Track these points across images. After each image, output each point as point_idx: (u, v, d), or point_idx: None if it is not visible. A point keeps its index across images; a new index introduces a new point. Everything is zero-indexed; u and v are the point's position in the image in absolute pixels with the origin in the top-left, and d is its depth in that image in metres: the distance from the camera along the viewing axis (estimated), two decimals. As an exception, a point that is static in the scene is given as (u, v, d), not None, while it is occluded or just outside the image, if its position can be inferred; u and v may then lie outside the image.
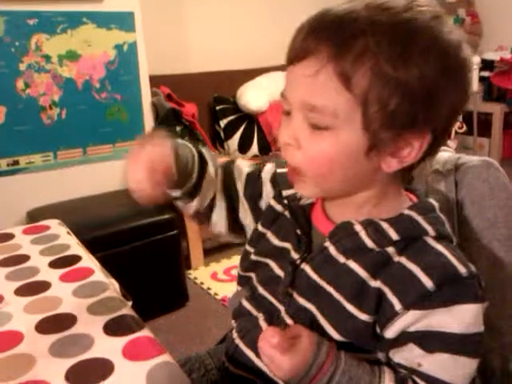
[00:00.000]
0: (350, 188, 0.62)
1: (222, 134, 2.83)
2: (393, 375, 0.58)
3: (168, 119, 2.34)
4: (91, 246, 1.03)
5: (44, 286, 0.83)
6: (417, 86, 0.54)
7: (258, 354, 0.65)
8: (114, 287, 0.84)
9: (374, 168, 0.59)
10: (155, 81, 2.51)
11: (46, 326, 0.72)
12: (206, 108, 2.82)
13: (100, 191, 2.30)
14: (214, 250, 2.61)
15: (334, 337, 0.60)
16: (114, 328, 0.70)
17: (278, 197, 0.73)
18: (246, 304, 0.71)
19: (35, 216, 1.99)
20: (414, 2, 0.57)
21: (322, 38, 0.55)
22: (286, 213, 0.71)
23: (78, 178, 2.27)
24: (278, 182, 0.76)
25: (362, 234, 0.60)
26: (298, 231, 0.67)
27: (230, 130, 2.81)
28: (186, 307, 2.14)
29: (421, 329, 0.56)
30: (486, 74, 3.42)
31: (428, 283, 0.55)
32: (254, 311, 0.70)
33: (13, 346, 0.68)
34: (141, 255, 2.01)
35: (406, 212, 0.61)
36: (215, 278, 2.36)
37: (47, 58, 2.14)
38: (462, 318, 0.56)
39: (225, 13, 3.13)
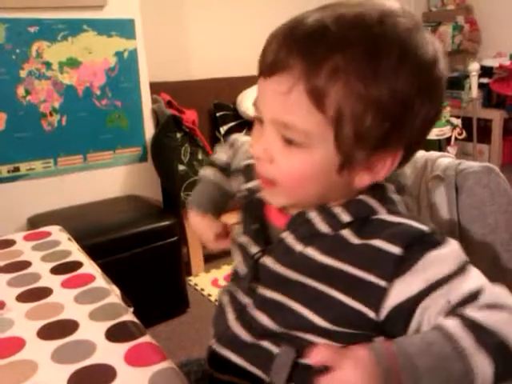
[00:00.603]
0: (320, 200, 0.62)
1: (222, 141, 2.83)
2: (452, 321, 0.52)
3: (168, 126, 2.35)
4: (91, 252, 1.03)
5: (45, 292, 0.83)
6: (389, 105, 0.54)
7: (235, 353, 0.67)
8: (115, 293, 0.84)
9: (346, 183, 0.60)
10: (155, 88, 2.52)
11: (48, 332, 0.72)
12: (206, 114, 2.83)
13: (100, 198, 2.31)
14: (215, 256, 2.61)
15: (322, 325, 0.59)
16: (116, 334, 0.70)
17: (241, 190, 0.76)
18: (225, 299, 0.73)
19: (36, 222, 1.99)
20: (387, 16, 0.55)
21: (294, 53, 0.54)
22: (245, 213, 0.73)
23: (79, 184, 2.28)
24: (248, 173, 0.76)
25: (317, 221, 0.61)
26: (253, 226, 0.68)
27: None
28: (186, 314, 2.14)
29: (421, 287, 0.55)
30: (485, 80, 3.43)
31: (396, 250, 0.56)
32: (228, 307, 0.71)
33: (15, 352, 0.68)
34: (141, 262, 2.01)
35: (358, 197, 0.62)
36: (216, 285, 2.36)
37: (48, 65, 2.15)
38: (446, 258, 0.56)
39: (225, 20, 3.14)
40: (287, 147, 0.58)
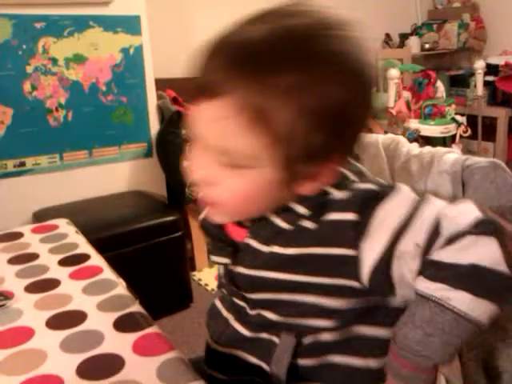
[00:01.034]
0: (265, 210, 0.62)
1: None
2: (422, 279, 0.56)
3: (173, 122, 2.35)
4: (97, 246, 1.04)
5: (54, 283, 0.84)
6: (331, 118, 0.54)
7: (236, 348, 0.68)
8: (122, 285, 0.84)
9: (289, 194, 0.60)
10: (161, 84, 2.53)
11: (57, 323, 0.73)
12: (211, 111, 2.83)
13: (105, 193, 2.32)
14: (219, 252, 2.61)
15: (324, 303, 0.61)
16: (124, 324, 0.71)
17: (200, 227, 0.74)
18: (218, 303, 0.73)
19: (41, 217, 1.99)
20: (321, 29, 0.54)
21: (228, 76, 0.52)
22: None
23: (84, 179, 2.29)
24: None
25: (276, 220, 0.61)
26: (219, 244, 0.68)
27: (235, 133, 2.82)
28: (190, 308, 2.15)
29: (387, 238, 0.56)
30: (490, 78, 3.43)
31: (350, 216, 0.57)
32: (224, 312, 0.71)
33: (24, 341, 0.69)
34: (145, 256, 2.02)
35: None
36: (219, 280, 2.36)
37: (54, 60, 2.16)
38: (399, 205, 0.57)
39: (231, 16, 3.13)
40: (228, 170, 0.56)
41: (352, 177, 0.62)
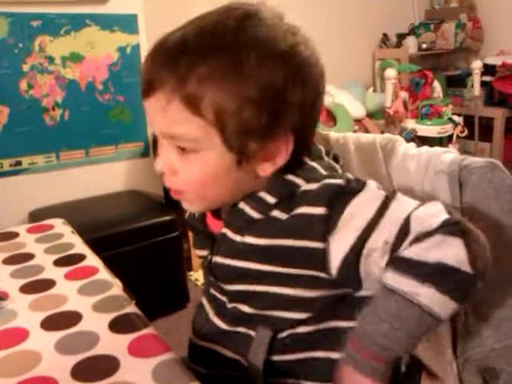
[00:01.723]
0: (233, 195, 0.65)
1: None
2: (390, 272, 0.58)
3: (170, 121, 2.35)
4: (92, 246, 1.03)
5: (49, 283, 0.83)
6: (262, 98, 0.57)
7: (214, 343, 0.71)
8: (118, 286, 0.84)
9: (250, 175, 0.63)
10: (158, 83, 2.52)
11: (52, 324, 0.72)
12: (208, 110, 2.83)
13: (102, 192, 2.31)
14: (216, 252, 2.61)
15: (295, 294, 0.63)
16: (120, 325, 0.71)
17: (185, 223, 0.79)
18: (204, 300, 0.76)
19: (37, 216, 1.99)
20: (243, 20, 0.59)
21: (162, 69, 0.58)
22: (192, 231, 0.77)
23: (80, 179, 2.28)
24: None
25: (247, 209, 0.64)
26: (200, 236, 0.73)
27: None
28: (186, 308, 2.14)
29: (355, 235, 0.58)
30: (487, 78, 3.43)
31: (320, 210, 0.59)
32: (207, 306, 0.74)
33: (18, 343, 0.68)
34: (142, 256, 2.01)
35: (282, 176, 0.64)
36: (216, 280, 2.36)
37: (50, 59, 2.15)
38: (367, 201, 0.59)
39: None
40: (183, 156, 0.61)
41: (322, 171, 0.64)
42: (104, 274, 0.87)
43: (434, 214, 0.58)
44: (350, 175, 0.65)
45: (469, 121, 3.34)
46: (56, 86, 2.17)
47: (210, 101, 0.57)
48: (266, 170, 0.62)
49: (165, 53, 0.59)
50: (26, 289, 0.82)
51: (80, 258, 0.93)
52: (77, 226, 1.13)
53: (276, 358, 0.66)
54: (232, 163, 0.61)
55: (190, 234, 2.51)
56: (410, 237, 0.57)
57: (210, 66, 0.56)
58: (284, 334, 0.66)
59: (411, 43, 3.82)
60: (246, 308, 0.67)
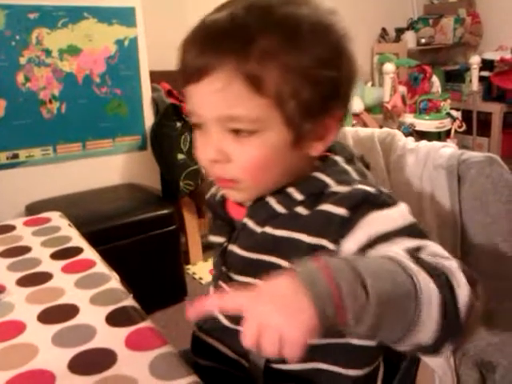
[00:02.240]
0: (283, 180, 0.63)
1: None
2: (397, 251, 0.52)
3: (168, 115, 2.34)
4: (90, 239, 1.03)
5: (46, 276, 0.83)
6: (320, 72, 0.58)
7: (216, 339, 0.69)
8: (115, 279, 0.84)
9: (302, 155, 0.62)
10: (155, 76, 2.51)
11: (49, 317, 0.72)
12: (206, 104, 2.82)
13: (99, 186, 2.30)
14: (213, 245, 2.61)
15: None
16: (117, 319, 0.70)
17: (206, 204, 0.78)
18: (211, 290, 0.74)
19: (34, 210, 1.98)
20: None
21: (219, 50, 0.56)
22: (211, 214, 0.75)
23: (78, 172, 2.27)
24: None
25: (272, 202, 0.63)
26: (218, 221, 0.71)
27: (230, 126, 2.81)
28: (184, 302, 2.14)
29: (363, 240, 0.55)
30: (485, 73, 3.43)
31: (342, 211, 0.57)
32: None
33: (15, 336, 0.68)
34: (139, 250, 2.01)
35: (311, 174, 0.63)
36: (214, 274, 2.36)
37: (48, 52, 2.13)
38: (392, 218, 0.57)
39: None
40: (239, 139, 0.59)
41: (354, 175, 0.63)
42: (101, 267, 0.86)
43: (449, 255, 0.53)
44: (383, 188, 0.61)
45: (467, 116, 3.34)
46: (53, 79, 2.16)
47: (271, 77, 0.56)
48: (318, 149, 0.62)
49: (219, 32, 0.57)
50: (23, 282, 0.82)
51: (77, 251, 0.92)
52: (74, 219, 1.13)
53: (275, 366, 0.64)
54: (289, 143, 0.60)
55: (188, 228, 2.50)
56: (425, 253, 0.52)
57: (268, 41, 0.55)
58: None
59: (410, 38, 3.82)
60: None
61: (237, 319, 0.65)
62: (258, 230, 0.64)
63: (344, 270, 0.45)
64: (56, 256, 0.90)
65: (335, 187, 0.60)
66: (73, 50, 2.19)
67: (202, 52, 0.57)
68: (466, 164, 0.76)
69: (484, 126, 3.53)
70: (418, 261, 0.49)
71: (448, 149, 0.80)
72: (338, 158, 0.65)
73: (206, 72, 0.57)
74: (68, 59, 2.18)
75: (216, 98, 0.57)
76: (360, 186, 0.59)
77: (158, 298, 2.04)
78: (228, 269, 0.68)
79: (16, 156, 2.12)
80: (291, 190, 0.62)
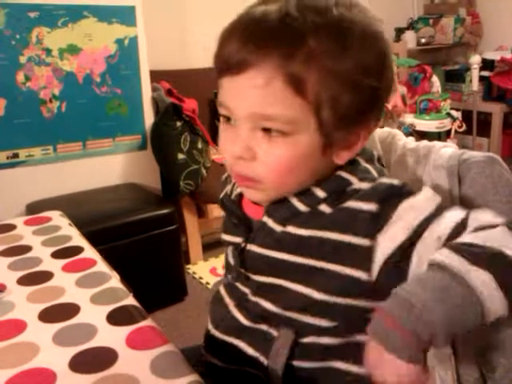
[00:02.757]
0: (305, 183, 0.62)
1: (221, 130, 2.82)
2: (439, 252, 0.54)
3: (168, 114, 2.34)
4: (90, 239, 1.03)
5: (47, 275, 0.83)
6: (361, 80, 0.56)
7: (234, 337, 0.68)
8: (116, 278, 0.84)
9: (327, 162, 0.61)
10: (156, 76, 2.51)
11: (50, 315, 0.72)
12: (206, 103, 2.81)
13: (99, 185, 2.30)
14: (213, 244, 2.61)
15: (320, 298, 0.61)
16: (117, 318, 0.71)
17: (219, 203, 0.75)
18: (222, 290, 0.73)
19: (34, 209, 1.98)
20: (339, 1, 0.57)
21: (265, 47, 0.54)
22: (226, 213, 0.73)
23: (78, 171, 2.27)
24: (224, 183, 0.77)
25: (294, 201, 0.62)
26: (234, 220, 0.69)
27: (230, 126, 2.81)
28: (184, 301, 2.14)
29: (405, 235, 0.57)
30: (486, 73, 3.43)
31: (371, 206, 0.58)
32: (226, 298, 0.72)
33: (16, 334, 0.68)
34: (140, 250, 2.01)
35: (334, 173, 0.63)
36: (214, 273, 2.36)
37: (48, 51, 2.13)
38: (422, 204, 0.58)
39: (227, 8, 3.12)
40: (269, 139, 0.57)
41: (375, 173, 0.63)
42: (102, 266, 0.86)
43: (493, 216, 0.57)
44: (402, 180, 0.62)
45: (467, 116, 3.34)
46: (53, 78, 2.16)
47: (314, 80, 0.54)
48: (343, 158, 0.61)
49: (267, 28, 0.55)
50: (24, 281, 0.82)
51: (78, 250, 0.92)
52: (74, 219, 1.13)
53: (296, 363, 0.63)
54: (317, 149, 0.58)
55: (188, 228, 2.50)
56: (468, 230, 0.55)
57: (317, 44, 0.54)
58: (307, 340, 0.63)
59: (410, 38, 3.81)
60: (269, 305, 0.64)
61: (256, 319, 0.66)
62: (278, 229, 0.63)
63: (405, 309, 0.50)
64: (56, 255, 0.90)
65: (358, 184, 0.61)
66: (73, 50, 2.19)
67: (247, 45, 0.55)
68: (466, 164, 0.76)
69: (484, 126, 3.52)
70: (464, 252, 0.51)
71: (448, 149, 0.80)
72: (359, 158, 0.65)
73: (248, 66, 0.55)
74: (68, 58, 2.18)
75: (254, 95, 0.56)
76: (384, 180, 0.61)
77: (159, 298, 2.04)
78: (246, 270, 0.67)
79: (16, 155, 2.12)
80: (314, 189, 0.61)
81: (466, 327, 0.52)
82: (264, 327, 0.65)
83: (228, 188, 0.73)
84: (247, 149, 0.58)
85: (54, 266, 0.86)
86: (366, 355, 0.53)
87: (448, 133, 3.15)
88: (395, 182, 0.60)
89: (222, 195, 0.74)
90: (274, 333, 0.64)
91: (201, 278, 2.34)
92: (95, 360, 0.62)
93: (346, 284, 0.60)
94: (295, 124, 0.56)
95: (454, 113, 3.16)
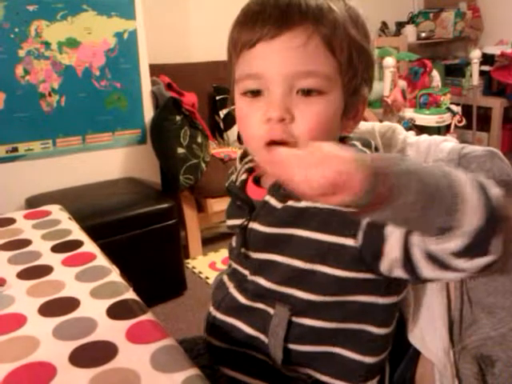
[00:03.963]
0: None
1: (221, 125, 2.82)
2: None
3: (168, 108, 2.33)
4: (89, 233, 1.03)
5: (46, 269, 0.83)
6: (368, 51, 0.65)
7: (233, 317, 0.70)
8: (116, 272, 0.84)
9: (338, 131, 0.67)
10: (155, 70, 2.50)
11: (50, 309, 0.72)
12: (205, 98, 2.81)
13: (99, 179, 2.30)
14: (213, 239, 2.62)
15: (313, 268, 0.63)
16: (117, 311, 0.71)
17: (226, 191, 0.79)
18: (225, 278, 0.76)
19: (34, 203, 1.98)
20: None
21: (302, 11, 0.60)
22: (231, 198, 0.77)
23: (77, 165, 2.27)
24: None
25: None
26: (238, 203, 0.73)
27: (230, 120, 2.80)
28: (183, 296, 2.15)
29: None
30: (486, 68, 3.42)
31: None
32: (227, 281, 0.75)
33: (16, 328, 0.68)
34: (139, 244, 2.01)
35: None
36: (213, 268, 2.36)
37: (47, 44, 2.13)
38: None
39: (226, 2, 3.11)
40: (307, 99, 0.61)
41: (362, 147, 0.67)
42: (101, 260, 0.86)
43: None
44: None
45: (467, 110, 3.34)
46: (52, 72, 2.16)
47: (339, 42, 0.61)
48: (350, 128, 0.68)
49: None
50: (24, 275, 0.82)
51: (77, 244, 0.92)
52: (74, 213, 1.13)
53: (293, 346, 0.65)
54: (340, 112, 0.64)
55: (188, 222, 2.50)
56: None
57: (339, 12, 0.61)
58: (302, 321, 0.65)
59: (410, 32, 3.81)
60: (265, 282, 0.67)
61: (254, 297, 0.68)
62: (279, 206, 0.66)
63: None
64: (56, 249, 0.90)
65: None
66: (72, 43, 2.18)
67: (285, 11, 0.59)
68: (466, 158, 0.76)
69: (484, 121, 3.52)
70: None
71: (449, 143, 0.80)
72: (356, 142, 0.68)
73: (288, 28, 0.59)
74: (67, 52, 2.18)
75: (295, 54, 0.60)
76: None
77: (158, 292, 2.05)
78: (247, 249, 0.70)
79: (15, 149, 2.12)
80: None
81: (429, 206, 0.45)
82: (261, 305, 0.68)
83: (233, 177, 0.77)
84: (286, 110, 0.61)
85: (54, 259, 0.86)
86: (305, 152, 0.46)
87: (448, 127, 3.15)
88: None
89: (227, 183, 0.78)
90: (271, 311, 0.66)
91: (200, 272, 2.34)
92: (95, 354, 0.62)
93: (337, 253, 0.62)
94: (330, 81, 0.61)
95: (453, 107, 3.15)
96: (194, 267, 2.39)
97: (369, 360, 0.66)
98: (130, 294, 0.75)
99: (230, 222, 0.75)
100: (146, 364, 0.60)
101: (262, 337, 0.67)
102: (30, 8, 2.06)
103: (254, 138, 0.64)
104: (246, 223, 0.70)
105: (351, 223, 0.60)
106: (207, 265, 2.40)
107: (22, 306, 0.73)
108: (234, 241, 0.76)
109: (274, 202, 0.67)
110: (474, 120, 3.40)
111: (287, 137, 0.61)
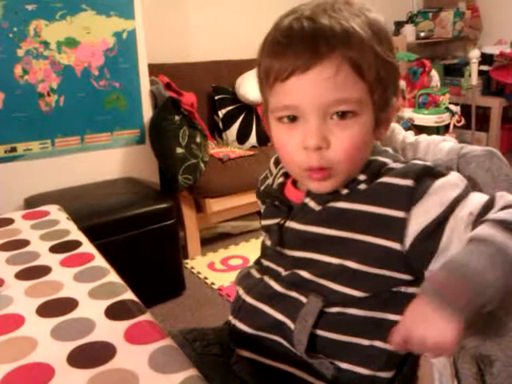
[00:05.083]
0: (361, 164, 0.68)
1: (220, 125, 2.82)
2: (480, 228, 0.59)
3: (167, 108, 2.33)
4: (88, 234, 1.02)
5: (45, 270, 0.83)
6: (393, 65, 0.67)
7: (264, 303, 0.72)
8: (114, 272, 0.84)
9: (371, 142, 0.70)
10: (154, 69, 2.50)
11: (48, 310, 0.72)
12: (204, 98, 2.81)
13: (97, 179, 2.30)
14: (211, 239, 2.62)
15: (352, 266, 0.66)
16: (116, 312, 0.70)
17: (259, 195, 0.84)
18: (254, 271, 0.78)
19: (32, 203, 1.98)
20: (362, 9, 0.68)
21: (330, 41, 0.62)
22: (268, 200, 0.80)
23: (76, 165, 2.26)
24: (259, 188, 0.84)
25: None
26: (276, 203, 0.76)
27: (229, 120, 2.80)
28: (182, 296, 2.14)
29: (439, 210, 0.62)
30: (485, 67, 3.42)
31: (407, 182, 0.64)
32: (257, 274, 0.77)
33: (14, 329, 0.68)
34: (138, 244, 2.01)
35: (370, 158, 0.70)
36: (212, 268, 2.36)
37: (46, 44, 2.12)
38: (454, 183, 0.65)
39: (225, 2, 3.11)
40: (341, 123, 0.64)
41: (402, 158, 0.72)
42: (100, 260, 0.86)
43: None
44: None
45: (466, 110, 3.34)
46: (51, 72, 2.15)
47: (367, 63, 0.63)
48: (382, 135, 0.71)
49: (320, 27, 0.63)
50: (22, 275, 0.82)
51: (76, 244, 0.92)
52: (72, 213, 1.13)
53: (320, 332, 0.67)
54: (372, 128, 0.67)
55: (186, 223, 2.49)
56: (497, 207, 0.61)
57: (363, 31, 0.63)
58: (333, 310, 0.67)
59: (409, 31, 3.80)
60: (304, 273, 0.69)
61: (288, 286, 0.70)
62: (318, 208, 0.69)
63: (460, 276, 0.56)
64: (55, 249, 0.90)
65: (392, 164, 0.68)
66: (71, 43, 2.18)
67: (313, 44, 0.62)
68: (465, 158, 0.76)
69: (483, 121, 3.52)
70: (504, 227, 0.57)
71: (448, 143, 0.80)
72: (387, 148, 0.73)
73: (317, 61, 0.62)
74: (66, 52, 2.17)
75: (326, 85, 0.62)
76: (416, 161, 0.67)
77: (157, 293, 2.04)
78: (283, 247, 0.72)
79: (14, 149, 2.12)
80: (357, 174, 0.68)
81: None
82: (295, 294, 0.69)
83: (269, 180, 0.80)
84: (323, 138, 0.64)
85: (52, 260, 0.86)
86: (409, 312, 0.57)
87: (447, 127, 3.15)
88: (428, 163, 0.67)
89: (262, 187, 0.82)
90: (304, 299, 0.68)
91: (199, 272, 2.34)
92: (93, 354, 0.62)
93: (379, 254, 0.65)
94: (362, 104, 0.64)
95: (452, 107, 3.16)
96: (192, 267, 2.39)
97: (390, 347, 0.67)
98: (129, 295, 0.75)
99: (266, 222, 0.78)
100: (144, 364, 0.60)
101: (288, 322, 0.68)
102: (29, 7, 2.06)
103: (294, 163, 0.68)
104: (282, 222, 0.72)
105: (396, 227, 0.63)
106: (206, 265, 2.40)
107: (20, 307, 0.73)
108: (266, 239, 0.77)
109: (313, 204, 0.69)
110: (473, 120, 3.40)
111: (324, 163, 0.65)
